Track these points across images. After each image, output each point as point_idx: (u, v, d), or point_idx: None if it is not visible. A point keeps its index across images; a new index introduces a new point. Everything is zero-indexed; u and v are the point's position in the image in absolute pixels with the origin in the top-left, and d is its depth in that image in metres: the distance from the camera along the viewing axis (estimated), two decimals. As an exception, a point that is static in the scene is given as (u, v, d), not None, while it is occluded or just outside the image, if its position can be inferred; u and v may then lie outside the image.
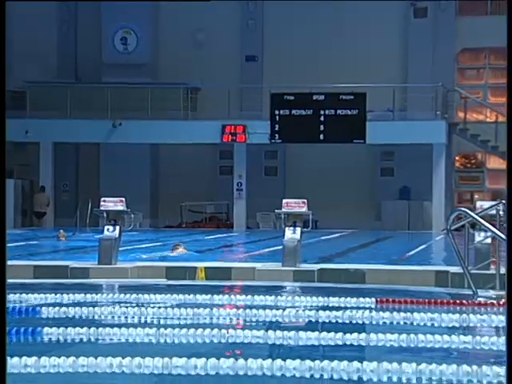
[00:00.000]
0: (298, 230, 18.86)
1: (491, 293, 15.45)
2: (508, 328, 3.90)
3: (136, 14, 38.31)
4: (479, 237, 17.06)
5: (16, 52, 38.99)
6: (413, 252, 24.21)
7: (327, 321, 12.40)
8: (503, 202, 19.46)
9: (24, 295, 14.74)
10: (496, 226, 16.63)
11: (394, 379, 8.66)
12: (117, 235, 19.27)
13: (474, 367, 8.92)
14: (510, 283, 5.00)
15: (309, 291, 16.10)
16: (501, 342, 11.06)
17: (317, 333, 11.26)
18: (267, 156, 37.68)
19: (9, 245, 25.64)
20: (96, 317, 13.01)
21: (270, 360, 9.10)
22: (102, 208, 19.85)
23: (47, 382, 8.52)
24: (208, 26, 38.51)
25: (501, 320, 12.66)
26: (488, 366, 9.06)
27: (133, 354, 9.24)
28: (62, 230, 27.18)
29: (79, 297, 14.77)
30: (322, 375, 8.76)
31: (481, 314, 12.96)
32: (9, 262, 19.91)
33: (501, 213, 18.42)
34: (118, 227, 19.40)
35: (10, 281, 17.03)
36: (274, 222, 22.27)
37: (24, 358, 8.98)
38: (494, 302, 14.35)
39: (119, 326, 12.00)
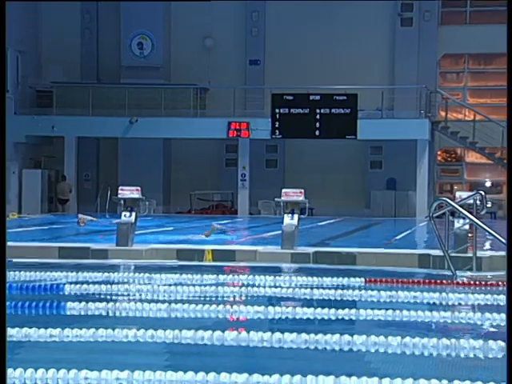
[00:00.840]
0: (296, 216, 18.86)
1: (469, 274, 15.44)
2: (508, 327, 3.71)
3: (151, 22, 38.23)
4: (458, 223, 17.04)
5: (44, 56, 38.96)
6: (399, 237, 24.17)
7: (321, 298, 12.39)
8: (480, 192, 19.45)
9: (49, 273, 14.74)
10: (473, 213, 16.62)
11: (381, 351, 8.66)
12: (133, 220, 19.28)
13: (453, 340, 8.92)
14: (509, 282, 4.81)
15: (305, 272, 16.09)
16: (477, 318, 11.04)
17: (312, 309, 11.25)
18: (268, 150, 37.58)
19: (36, 228, 25.63)
20: (113, 293, 13.00)
21: (269, 333, 9.11)
22: (119, 196, 19.88)
23: (70, 351, 8.51)
24: (216, 33, 38.40)
25: (477, 298, 12.66)
26: (465, 340, 9.06)
27: (146, 327, 9.24)
28: (81, 215, 27.07)
29: (99, 275, 14.76)
30: (316, 347, 8.77)
31: (459, 293, 12.95)
32: (36, 244, 19.92)
33: (477, 202, 18.42)
34: (134, 213, 19.42)
35: (37, 260, 17.07)
36: (274, 209, 22.28)
37: (49, 329, 8.99)
38: (471, 282, 14.35)
39: (134, 301, 12.00)
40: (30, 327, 9.12)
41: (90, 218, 27.60)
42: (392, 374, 7.10)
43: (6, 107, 6.65)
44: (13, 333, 8.99)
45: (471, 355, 8.68)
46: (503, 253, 16.31)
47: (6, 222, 29.63)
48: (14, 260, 17.33)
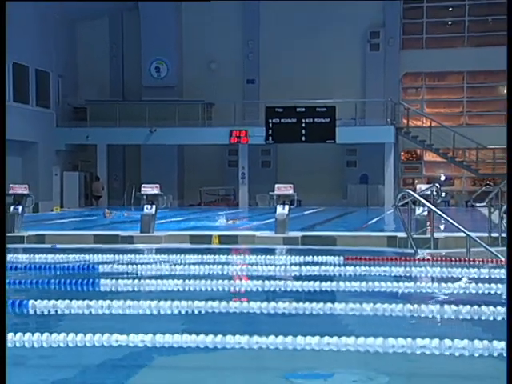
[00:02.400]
0: (287, 207, 18.92)
1: (427, 251, 15.44)
2: (508, 327, 3.61)
3: (166, 50, 38.22)
4: (418, 210, 17.08)
5: (80, 79, 38.98)
6: (370, 222, 24.18)
7: (308, 273, 12.40)
8: (436, 185, 19.44)
9: (86, 256, 14.74)
10: (431, 202, 16.64)
11: (357, 315, 8.68)
12: (153, 212, 19.33)
13: (415, 306, 8.95)
14: (509, 281, 4.73)
15: (294, 252, 16.10)
16: (434, 287, 11.05)
17: (300, 282, 11.26)
18: (263, 153, 37.57)
19: (74, 219, 25.58)
20: (138, 272, 13.02)
21: (266, 302, 9.13)
22: (142, 192, 19.93)
23: (104, 319, 8.53)
24: (219, 58, 38.37)
25: (434, 271, 12.69)
26: (425, 305, 9.09)
27: (165, 299, 9.25)
28: (106, 209, 27.05)
29: (126, 257, 14.78)
30: (304, 313, 8.79)
31: (420, 267, 13.01)
32: (74, 232, 19.92)
33: (434, 193, 18.44)
34: (154, 206, 19.46)
35: (75, 245, 17.08)
36: (268, 201, 22.20)
37: (86, 301, 9.01)
38: (430, 258, 14.37)
39: (155, 278, 12.01)
40: (71, 300, 9.15)
41: (115, 212, 27.55)
42: (366, 334, 7.12)
43: (5, 107, 6.42)
44: (58, 304, 9.01)
45: (430, 317, 8.70)
46: (456, 234, 16.34)
47: (51, 215, 29.56)
48: (58, 245, 17.36)
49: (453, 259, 14.01)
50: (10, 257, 15.38)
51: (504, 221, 17.56)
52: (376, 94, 36.80)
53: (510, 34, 7.29)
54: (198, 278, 11.61)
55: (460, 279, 11.98)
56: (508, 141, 6.91)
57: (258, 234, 18.97)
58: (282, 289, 10.97)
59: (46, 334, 7.27)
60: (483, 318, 8.55)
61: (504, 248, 15.30)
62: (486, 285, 11.07)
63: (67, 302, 9.09)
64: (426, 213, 17.00)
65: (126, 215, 26.98)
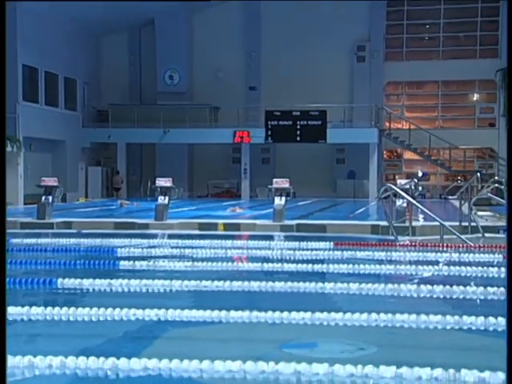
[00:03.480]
0: (283, 198, 18.92)
1: (406, 238, 15.43)
2: (508, 326, 3.48)
3: (178, 60, 38.19)
4: (399, 202, 17.08)
5: (102, 85, 38.94)
6: (357, 212, 24.17)
7: (301, 257, 12.39)
8: (414, 180, 19.44)
9: (106, 240, 14.75)
10: (409, 195, 16.65)
11: (344, 293, 8.69)
12: (166, 202, 19.33)
13: (395, 285, 8.96)
14: (509, 281, 4.64)
15: (290, 238, 16.14)
16: (412, 269, 11.06)
17: (295, 264, 11.26)
18: (263, 151, 37.51)
19: (97, 209, 25.56)
20: (153, 254, 13.01)
21: (264, 282, 9.13)
22: (157, 184, 19.95)
23: (122, 296, 8.53)
24: (225, 67, 38.30)
25: (412, 255, 12.71)
26: (404, 284, 9.10)
27: (176, 278, 9.25)
28: (121, 200, 27.03)
29: (142, 241, 14.79)
30: (298, 291, 8.79)
31: (399, 252, 13.01)
32: (97, 220, 19.91)
33: (412, 187, 18.44)
34: (167, 197, 19.47)
35: (97, 231, 17.06)
36: (267, 193, 22.23)
37: (108, 280, 9.02)
38: (408, 243, 14.36)
39: (168, 259, 12.02)
40: (94, 278, 9.16)
41: (129, 202, 27.57)
42: (352, 310, 7.12)
43: (5, 108, 6.13)
44: (82, 282, 9.02)
45: (408, 295, 8.70)
46: (431, 223, 16.34)
47: (77, 204, 29.47)
48: (83, 231, 17.37)
49: (428, 245, 14.02)
50: (41, 240, 15.41)
51: (473, 211, 17.59)
52: (362, 100, 36.78)
53: (510, 34, 7.09)
54: (205, 260, 11.61)
55: (434, 262, 12.00)
56: (508, 141, 6.80)
57: (258, 222, 18.99)
58: (279, 270, 10.97)
59: (72, 308, 7.30)
60: (454, 296, 8.58)
61: (473, 235, 15.32)
62: (457, 267, 11.08)
63: (91, 280, 9.12)
64: (405, 204, 17.00)
65: (135, 205, 26.95)
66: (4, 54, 5.54)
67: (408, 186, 18.11)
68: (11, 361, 5.41)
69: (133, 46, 39.65)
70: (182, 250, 13.36)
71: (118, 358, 5.36)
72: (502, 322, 6.92)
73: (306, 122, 34.14)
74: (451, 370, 5.08)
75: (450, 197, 29.93)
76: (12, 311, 7.36)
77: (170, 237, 16.40)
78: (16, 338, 6.80)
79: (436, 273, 11.02)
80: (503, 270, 11.14)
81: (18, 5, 29.79)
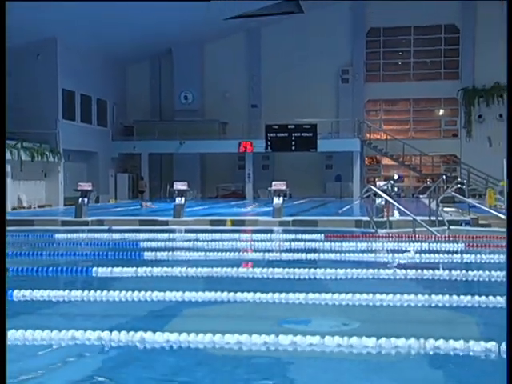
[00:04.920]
0: (281, 198, 18.91)
1: (384, 231, 15.43)
2: (508, 326, 3.44)
3: (192, 83, 38.21)
4: (378, 201, 17.06)
5: (128, 105, 38.94)
6: (343, 209, 24.18)
7: (296, 248, 12.41)
8: (390, 182, 19.43)
9: (132, 235, 14.76)
10: (387, 194, 16.65)
11: (333, 278, 8.70)
12: (183, 202, 19.32)
13: (376, 270, 8.97)
14: (509, 281, 4.65)
15: (287, 232, 16.16)
16: (389, 257, 11.07)
17: (291, 253, 11.30)
18: (263, 159, 37.49)
19: (125, 208, 25.53)
20: (171, 245, 13.03)
21: (265, 268, 9.14)
22: (174, 188, 19.94)
23: (145, 282, 8.53)
24: (231, 89, 38.32)
25: (389, 245, 12.68)
26: (383, 270, 9.11)
27: (192, 266, 9.27)
28: (143, 201, 26.94)
29: (163, 236, 14.80)
30: (294, 276, 8.80)
31: (379, 242, 12.99)
32: (124, 217, 19.91)
33: (389, 188, 18.44)
34: (183, 198, 19.45)
35: (124, 227, 17.04)
36: (268, 194, 22.23)
37: (134, 268, 9.04)
38: (386, 234, 14.37)
39: (184, 250, 12.03)
40: (122, 267, 9.17)
41: (149, 203, 27.51)
42: (340, 291, 7.14)
43: (5, 109, 5.97)
44: (113, 270, 9.03)
45: (386, 278, 8.72)
46: (405, 218, 16.34)
47: (108, 205, 29.42)
48: (113, 227, 17.37)
49: (403, 236, 14.03)
50: (78, 235, 15.46)
51: (440, 208, 17.58)
52: (346, 115, 36.78)
53: (510, 34, 6.86)
54: (216, 251, 11.62)
55: (408, 251, 12.00)
56: (508, 142, 6.60)
57: (260, 218, 18.99)
58: (277, 259, 11.00)
59: (104, 292, 7.32)
60: (425, 278, 8.59)
61: (439, 228, 15.32)
62: (427, 255, 11.09)
63: (120, 268, 9.12)
64: (383, 202, 16.99)
65: (149, 206, 26.77)
66: (4, 54, 5.37)
67: (386, 187, 18.09)
68: (57, 335, 5.45)
69: (154, 72, 39.67)
70: (196, 242, 13.39)
71: (145, 332, 5.41)
72: (463, 299, 6.96)
73: (299, 134, 34.14)
74: (422, 340, 5.13)
75: (420, 196, 29.97)
76: (55, 294, 7.40)
77: (186, 231, 16.43)
78: (59, 316, 6.84)
79: (409, 259, 11.03)
80: (465, 256, 11.17)
81: (59, 39, 29.85)
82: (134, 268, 9.04)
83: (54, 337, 5.44)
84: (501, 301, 6.80)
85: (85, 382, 4.54)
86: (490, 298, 6.89)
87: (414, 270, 8.85)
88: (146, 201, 27.30)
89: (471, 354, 5.02)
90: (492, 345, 5.03)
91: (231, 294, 7.11)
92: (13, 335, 5.47)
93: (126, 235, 14.90)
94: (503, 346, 4.97)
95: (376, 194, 16.69)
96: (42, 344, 5.38)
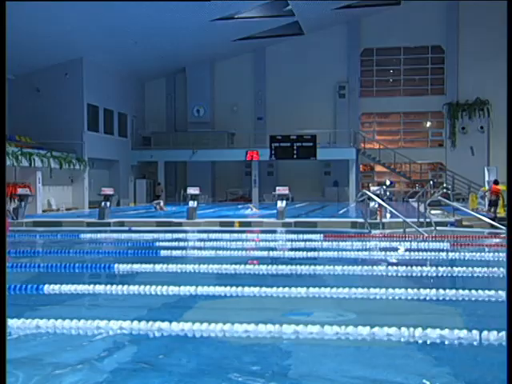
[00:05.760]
0: (284, 201, 18.93)
1: (377, 231, 15.44)
2: (508, 327, 3.43)
3: (204, 98, 38.23)
4: (372, 204, 17.06)
5: (146, 117, 38.97)
6: (340, 212, 24.14)
7: (298, 246, 12.41)
8: (383, 187, 19.45)
9: (149, 235, 14.78)
10: (380, 198, 16.66)
11: (331, 274, 8.70)
12: (195, 205, 19.33)
13: (370, 267, 8.97)
14: (509, 282, 4.70)
15: (289, 232, 16.14)
16: (382, 254, 11.03)
17: (293, 252, 11.29)
18: (268, 166, 37.43)
19: (143, 211, 25.54)
20: (185, 245, 13.05)
21: (270, 265, 9.15)
22: (188, 192, 19.96)
23: (161, 276, 8.54)
24: (239, 103, 38.32)
25: (381, 244, 12.68)
26: (376, 266, 9.10)
27: (203, 263, 9.27)
28: (156, 205, 26.90)
29: (177, 236, 14.81)
30: (295, 272, 8.80)
31: (372, 242, 12.99)
32: (143, 219, 19.91)
33: (382, 192, 18.45)
34: (196, 201, 19.47)
35: (142, 228, 17.05)
36: (272, 198, 22.23)
37: (152, 264, 9.05)
38: (379, 235, 14.36)
39: (197, 249, 12.03)
40: (141, 263, 9.19)
41: (162, 206, 27.36)
42: (337, 286, 7.14)
43: (5, 109, 5.72)
44: (133, 267, 9.05)
45: (379, 274, 8.72)
46: (396, 219, 16.33)
47: (128, 207, 29.36)
48: (133, 228, 17.41)
49: (394, 236, 14.02)
50: (100, 235, 15.47)
51: (427, 210, 17.57)
52: (343, 127, 36.76)
53: (510, 35, 6.76)
54: (225, 249, 11.62)
55: (398, 249, 11.99)
56: (508, 142, 6.55)
57: (265, 220, 18.97)
58: (281, 256, 11.00)
59: (125, 286, 7.33)
60: (413, 274, 8.58)
61: (427, 228, 15.31)
62: (416, 253, 11.09)
63: (139, 265, 9.14)
64: (376, 205, 17.01)
65: (158, 209, 26.64)
66: (4, 54, 5.24)
67: (379, 192, 18.11)
68: (83, 324, 5.48)
69: (169, 88, 39.71)
70: (207, 241, 13.41)
71: (162, 322, 5.43)
72: (448, 292, 6.96)
73: (300, 144, 34.09)
74: (411, 328, 5.15)
75: (410, 199, 29.92)
76: (81, 288, 7.43)
77: (199, 232, 16.44)
78: (84, 308, 6.87)
79: (400, 257, 11.02)
80: (450, 254, 11.16)
81: (84, 60, 29.95)
82: (152, 265, 9.06)
83: (81, 326, 5.48)
84: (482, 294, 6.84)
85: (105, 365, 4.57)
86: (473, 291, 6.90)
87: (404, 267, 8.85)
88: (157, 203, 27.30)
89: (456, 341, 5.04)
90: (474, 333, 5.07)
91: (239, 288, 7.12)
92: (45, 324, 5.53)
93: (144, 235, 14.93)
94: (484, 333, 5.03)
95: (370, 198, 16.70)
96: (70, 332, 5.42)
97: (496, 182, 22.64)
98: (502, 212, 20.01)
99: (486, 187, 24.16)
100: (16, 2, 21.81)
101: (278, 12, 32.19)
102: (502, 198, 21.19)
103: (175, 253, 11.11)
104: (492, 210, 21.14)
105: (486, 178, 22.33)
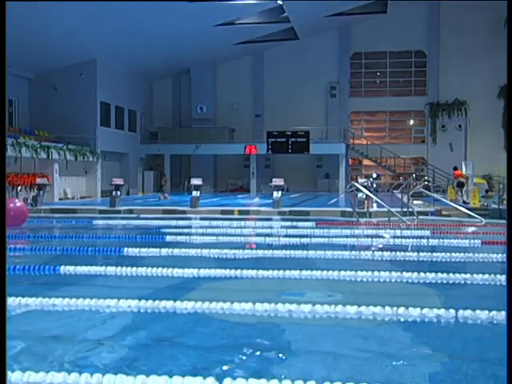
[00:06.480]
0: (280, 192, 18.90)
1: (364, 219, 15.44)
2: (508, 326, 3.39)
3: (206, 97, 38.08)
4: (360, 195, 17.07)
5: (154, 114, 38.83)
6: (331, 202, 24.16)
7: (292, 233, 12.41)
8: (370, 179, 19.45)
9: (156, 222, 14.77)
10: (367, 189, 16.65)
11: (322, 258, 8.69)
12: (198, 195, 19.31)
13: (358, 252, 8.96)
14: (509, 282, 4.62)
15: (284, 220, 16.14)
16: (369, 241, 11.02)
17: (287, 238, 11.28)
18: (265, 159, 37.34)
19: (150, 200, 25.53)
20: (188, 231, 13.03)
21: (266, 250, 9.15)
22: (191, 183, 19.91)
23: (167, 260, 8.53)
24: (239, 101, 38.20)
25: (369, 232, 12.67)
26: (363, 251, 9.09)
27: (204, 248, 9.27)
28: (160, 194, 26.80)
29: (182, 222, 14.80)
30: (290, 257, 8.79)
31: (360, 229, 13.00)
32: (150, 207, 19.89)
33: (369, 184, 18.45)
34: (199, 191, 19.44)
35: (149, 215, 17.00)
36: (268, 189, 22.21)
37: (158, 248, 9.04)
38: (366, 223, 14.36)
39: (199, 234, 12.04)
40: (148, 247, 9.17)
41: (166, 195, 27.34)
42: (328, 269, 7.14)
43: (5, 109, 5.46)
44: (141, 250, 9.04)
45: (365, 259, 8.72)
46: (382, 209, 16.33)
47: (137, 196, 29.32)
48: (141, 215, 17.40)
49: (380, 224, 14.03)
50: (111, 222, 15.46)
51: (410, 201, 17.58)
52: (334, 124, 36.68)
53: (510, 35, 6.62)
54: (225, 235, 11.63)
55: (383, 236, 12.00)
56: (508, 141, 6.40)
57: (262, 208, 18.97)
58: (276, 243, 10.99)
59: (134, 268, 7.33)
60: (397, 259, 8.59)
61: (410, 217, 15.32)
62: (399, 239, 11.10)
63: (146, 249, 9.13)
64: (364, 196, 17.01)
65: (162, 198, 26.61)
66: (4, 54, 5.21)
67: (366, 184, 18.11)
68: (95, 302, 5.48)
69: (175, 87, 39.57)
70: (209, 229, 13.42)
71: (168, 301, 5.43)
72: (428, 275, 6.97)
73: (295, 139, 33.99)
74: (395, 308, 5.15)
75: (394, 191, 29.89)
76: (94, 269, 7.43)
77: (201, 219, 16.43)
78: (97, 287, 6.86)
79: (385, 243, 11.03)
80: (431, 241, 11.17)
81: (98, 61, 29.84)
82: (158, 249, 9.05)
83: (93, 304, 5.47)
84: (458, 277, 6.86)
85: (116, 340, 4.57)
86: (450, 274, 6.91)
87: (388, 252, 8.85)
88: (163, 193, 27.17)
89: (434, 318, 5.05)
90: (451, 311, 5.11)
91: (238, 270, 7.12)
92: (61, 302, 5.52)
93: (151, 222, 14.92)
94: (460, 311, 5.07)
95: (358, 189, 16.70)
96: (84, 309, 5.42)
97: (455, 168, 23.32)
98: (476, 202, 20.03)
99: (479, 181, 24.62)
100: (35, 8, 21.73)
101: (275, 18, 32.08)
102: (466, 181, 21.83)
103: (179, 238, 11.11)
104: (459, 193, 21.79)
105: (464, 172, 22.37)
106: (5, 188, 10.73)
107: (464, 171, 22.14)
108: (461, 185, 21.80)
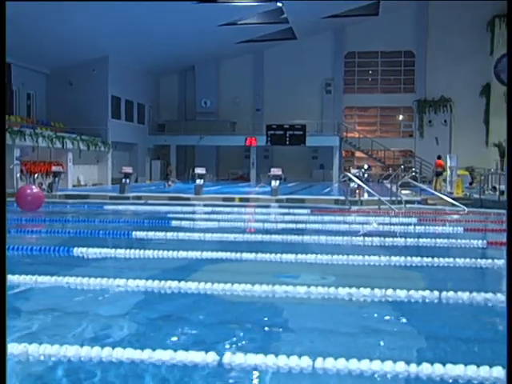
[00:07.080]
0: (278, 181, 18.89)
1: (357, 207, 15.43)
2: (508, 326, 3.49)
3: (210, 92, 37.93)
4: (352, 184, 17.04)
5: (161, 107, 38.67)
6: (325, 191, 24.14)
7: (289, 220, 12.40)
8: (361, 170, 19.43)
9: (161, 207, 14.76)
10: (359, 179, 16.63)
11: (317, 243, 8.69)
12: (202, 183, 19.27)
13: (350, 238, 8.95)
14: (509, 281, 4.65)
15: (282, 207, 16.13)
16: (359, 227, 11.01)
17: (284, 224, 11.27)
18: (264, 151, 37.20)
19: (157, 187, 25.48)
20: (192, 216, 13.02)
21: (265, 235, 9.14)
22: (195, 171, 19.81)
23: (171, 243, 8.51)
24: (240, 96, 38.06)
25: (360, 219, 12.66)
26: (355, 238, 9.09)
27: (207, 232, 9.26)
28: (166, 182, 26.74)
29: (186, 208, 14.79)
30: (286, 241, 8.80)
31: (352, 216, 12.99)
32: (157, 194, 19.84)
33: (361, 174, 18.43)
34: (202, 180, 19.40)
35: (156, 202, 16.97)
36: (267, 178, 22.18)
37: (164, 232, 9.02)
38: (358, 210, 14.36)
39: (202, 220, 12.03)
40: (155, 231, 9.16)
41: (171, 182, 27.26)
42: (321, 253, 7.14)
43: (5, 109, 5.35)
44: (148, 233, 9.03)
45: (357, 244, 8.71)
46: (372, 198, 16.31)
47: (145, 184, 29.22)
48: (148, 201, 17.38)
49: (370, 211, 14.02)
50: (121, 207, 15.45)
51: (399, 190, 17.56)
52: (329, 118, 36.53)
53: (510, 35, 6.49)
54: (227, 220, 11.62)
55: (373, 223, 12.00)
56: (508, 141, 6.40)
57: (261, 196, 18.95)
58: (274, 228, 10.98)
59: (142, 250, 7.33)
60: (386, 244, 8.59)
61: (398, 206, 15.31)
62: (388, 226, 11.10)
63: (153, 232, 9.12)
64: (356, 186, 16.99)
65: (171, 185, 26.50)
66: (4, 54, 5.12)
67: (358, 174, 18.11)
68: (106, 282, 5.48)
69: (181, 82, 39.38)
70: (212, 214, 13.40)
71: (173, 281, 5.44)
72: (415, 259, 6.98)
73: (292, 132, 33.85)
74: (383, 289, 5.16)
75: (384, 181, 29.89)
76: (105, 251, 7.42)
77: (205, 205, 16.42)
78: (107, 268, 6.87)
79: (374, 229, 11.03)
80: (417, 227, 11.17)
81: (110, 57, 29.72)
82: (164, 232, 9.04)
83: (104, 283, 5.47)
84: (442, 261, 6.87)
85: (124, 316, 4.57)
86: (435, 259, 6.91)
87: (378, 238, 8.85)
88: (168, 180, 27.13)
89: (420, 299, 5.06)
90: (435, 293, 5.12)
91: (238, 253, 7.12)
92: (74, 281, 5.52)
93: (158, 207, 14.91)
94: (443, 293, 5.09)
95: (350, 179, 16.68)
96: (95, 289, 5.42)
97: (439, 157, 23.32)
98: (459, 192, 20.02)
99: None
100: (53, 9, 21.59)
101: (275, 19, 31.93)
102: (445, 170, 22.05)
103: (184, 223, 11.09)
104: (434, 178, 22.32)
105: (448, 164, 22.35)
106: (5, 188, 10.70)
107: (449, 163, 22.11)
108: (438, 174, 22.24)
